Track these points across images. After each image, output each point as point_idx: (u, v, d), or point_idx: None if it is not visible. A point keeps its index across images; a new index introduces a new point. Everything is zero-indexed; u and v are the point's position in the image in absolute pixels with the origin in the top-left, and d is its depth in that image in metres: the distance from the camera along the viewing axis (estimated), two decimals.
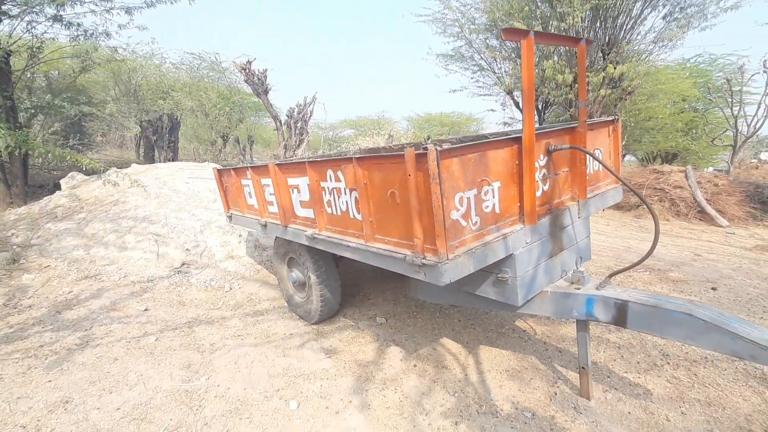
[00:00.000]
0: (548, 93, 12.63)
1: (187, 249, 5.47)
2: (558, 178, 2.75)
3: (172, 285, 4.89)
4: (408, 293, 3.29)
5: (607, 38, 12.31)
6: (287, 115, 15.58)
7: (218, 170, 4.77)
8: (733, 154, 14.15)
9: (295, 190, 3.21)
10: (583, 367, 2.78)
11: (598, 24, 11.84)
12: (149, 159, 13.22)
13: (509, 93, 15.95)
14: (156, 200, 6.28)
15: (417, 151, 1.93)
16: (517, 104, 16.85)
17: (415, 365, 3.25)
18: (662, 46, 12.70)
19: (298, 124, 16.60)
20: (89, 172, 7.29)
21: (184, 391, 2.80)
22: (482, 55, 15.61)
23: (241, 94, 19.62)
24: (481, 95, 17.38)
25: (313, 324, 4.05)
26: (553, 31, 11.60)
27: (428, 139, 3.20)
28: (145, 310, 4.21)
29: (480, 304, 2.99)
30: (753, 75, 13.09)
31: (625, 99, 13.13)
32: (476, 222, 2.19)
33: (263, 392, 2.80)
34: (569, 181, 2.84)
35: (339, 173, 2.62)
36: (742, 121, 14.04)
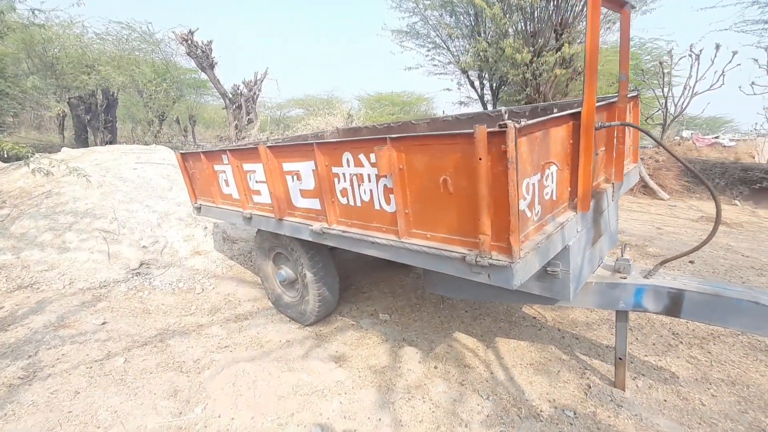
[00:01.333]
0: (507, 71, 12.60)
1: (144, 246, 4.72)
2: (597, 159, 2.51)
3: (132, 290, 4.18)
4: (427, 288, 2.96)
5: (560, 19, 12.42)
6: (232, 93, 14.31)
7: (183, 154, 4.07)
8: (663, 131, 15.22)
9: (294, 178, 2.71)
10: (620, 358, 2.64)
11: (551, 5, 11.90)
12: (82, 142, 11.58)
13: (465, 72, 15.86)
14: (99, 190, 5.37)
15: (490, 129, 1.56)
16: (472, 83, 16.83)
17: (435, 367, 2.96)
18: (607, 29, 13.15)
19: (248, 103, 15.45)
20: (8, 159, 6.10)
21: (177, 428, 2.29)
22: (438, 33, 15.29)
23: (179, 70, 17.83)
24: (436, 74, 17.12)
25: (307, 326, 3.62)
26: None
27: (505, 112, 2.79)
28: (103, 323, 3.53)
29: (513, 300, 2.74)
30: (680, 59, 13.97)
31: (575, 79, 13.53)
32: (538, 212, 1.88)
33: (276, 419, 2.37)
34: (604, 161, 2.62)
35: (361, 157, 2.18)
36: (670, 101, 15.08)
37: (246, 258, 5.19)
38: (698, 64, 12.98)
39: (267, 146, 2.82)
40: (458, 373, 2.89)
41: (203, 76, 15.78)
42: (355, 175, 2.25)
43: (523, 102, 12.83)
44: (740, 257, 5.64)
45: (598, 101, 2.11)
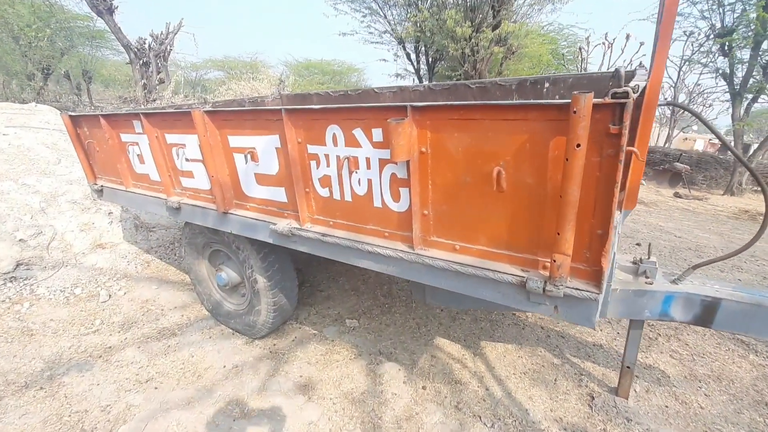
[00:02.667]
0: (447, 45, 12.23)
1: (21, 240, 3.54)
2: None
3: (4, 302, 3.07)
4: (421, 299, 2.43)
5: None
6: (138, 46, 12.06)
7: (72, 118, 2.98)
8: None
9: (248, 157, 1.96)
10: (628, 367, 2.40)
11: None
12: None
13: (401, 43, 15.24)
14: None
15: (597, 101, 1.02)
16: (408, 56, 16.30)
17: (424, 387, 2.49)
18: (539, 9, 13.41)
19: (159, 59, 13.27)
20: None
21: None
22: None
23: (67, 15, 14.73)
24: (372, 42, 16.29)
25: (257, 339, 2.92)
26: None
27: (616, 70, 2.18)
28: None
29: (513, 310, 2.32)
30: (595, 47, 14.84)
31: (509, 58, 13.70)
32: None
33: None
34: None
35: (358, 133, 1.53)
36: None
37: (168, 250, 4.21)
38: (611, 52, 13.88)
39: (205, 111, 2.00)
40: (451, 393, 2.45)
41: (101, 25, 13.15)
42: (347, 158, 1.59)
43: (458, 78, 12.63)
44: (674, 238, 5.99)
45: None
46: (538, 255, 1.28)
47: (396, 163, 1.48)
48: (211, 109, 2.00)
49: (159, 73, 13.27)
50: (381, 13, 14.89)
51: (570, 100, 1.02)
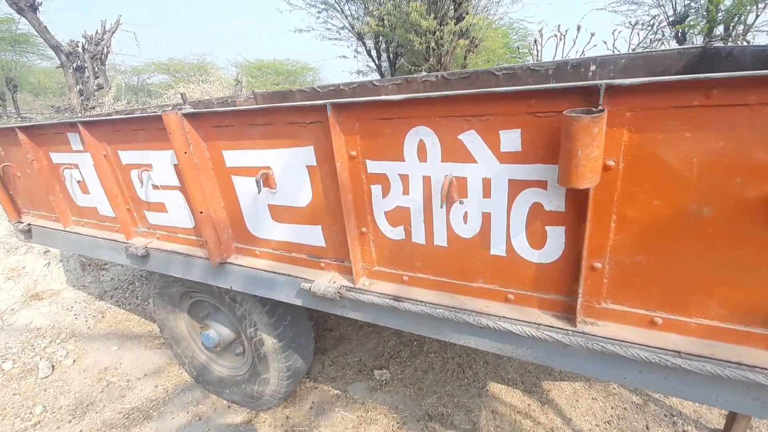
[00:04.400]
0: (411, 39, 11.77)
1: None
2: None
3: None
4: None
5: None
6: (69, 49, 10.60)
7: None
8: None
9: (259, 181, 1.27)
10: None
11: None
12: None
13: (360, 38, 14.62)
14: None
15: None
16: (369, 52, 15.71)
17: None
18: (497, 2, 13.28)
19: (95, 62, 11.83)
20: None
21: None
22: None
23: None
24: (330, 39, 15.57)
25: (264, 411, 2.23)
26: None
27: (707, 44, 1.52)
28: None
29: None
30: (548, 38, 15.01)
31: (473, 51, 13.47)
32: None
33: None
34: None
35: (471, 137, 0.91)
36: None
37: (128, 292, 3.36)
38: (564, 43, 14.04)
39: (184, 114, 1.29)
40: None
41: (25, 27, 11.52)
42: (453, 178, 0.96)
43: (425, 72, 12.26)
44: None
45: None
46: None
47: (546, 188, 0.87)
48: (193, 110, 1.30)
49: (96, 77, 11.83)
50: (338, 8, 14.20)
51: None
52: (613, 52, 13.78)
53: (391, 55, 15.02)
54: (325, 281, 1.26)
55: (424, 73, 3.19)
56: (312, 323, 2.23)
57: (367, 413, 2.21)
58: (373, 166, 1.08)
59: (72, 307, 3.03)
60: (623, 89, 0.73)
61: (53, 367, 2.55)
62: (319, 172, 1.17)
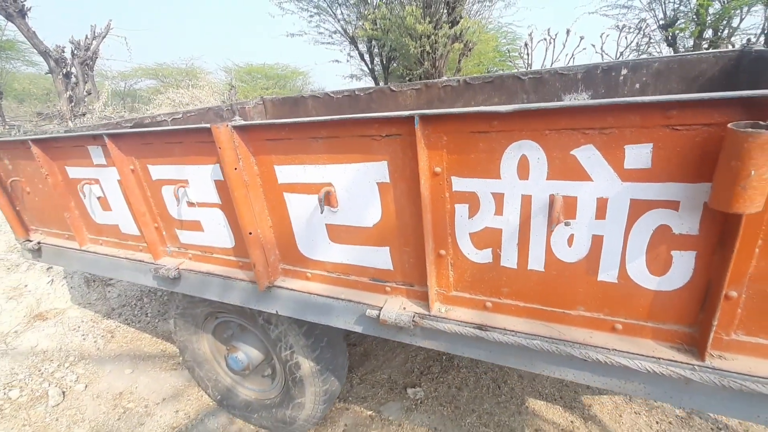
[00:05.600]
0: (407, 43, 11.75)
1: None
2: None
3: None
4: None
5: None
6: (57, 55, 10.27)
7: None
8: None
9: (321, 199, 1.16)
10: None
11: None
12: None
13: (353, 42, 14.53)
14: None
15: None
16: (361, 55, 15.61)
17: None
18: (489, 6, 13.34)
19: (84, 68, 11.54)
20: None
21: None
22: None
23: None
24: (323, 43, 15.49)
25: None
26: None
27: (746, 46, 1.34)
28: None
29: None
30: (538, 42, 15.17)
31: (466, 54, 13.48)
32: None
33: None
34: None
35: (589, 153, 0.81)
36: None
37: (137, 309, 3.19)
38: (553, 47, 14.16)
39: (234, 126, 1.17)
40: None
41: (10, 33, 11.23)
42: (563, 197, 0.86)
43: (410, 79, 12.27)
44: None
45: None
46: None
47: (677, 209, 0.78)
48: (245, 123, 1.18)
49: (86, 83, 11.52)
50: (330, 12, 14.11)
51: None
52: (602, 55, 13.94)
53: (384, 59, 14.97)
54: (395, 307, 1.14)
55: (444, 78, 3.09)
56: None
57: None
58: (460, 184, 0.97)
59: (79, 327, 2.86)
60: None
61: (64, 393, 2.38)
62: (392, 189, 1.06)
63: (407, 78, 12.61)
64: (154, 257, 1.68)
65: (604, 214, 0.85)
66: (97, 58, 12.25)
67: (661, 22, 12.64)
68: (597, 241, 0.88)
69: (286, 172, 1.21)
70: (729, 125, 0.65)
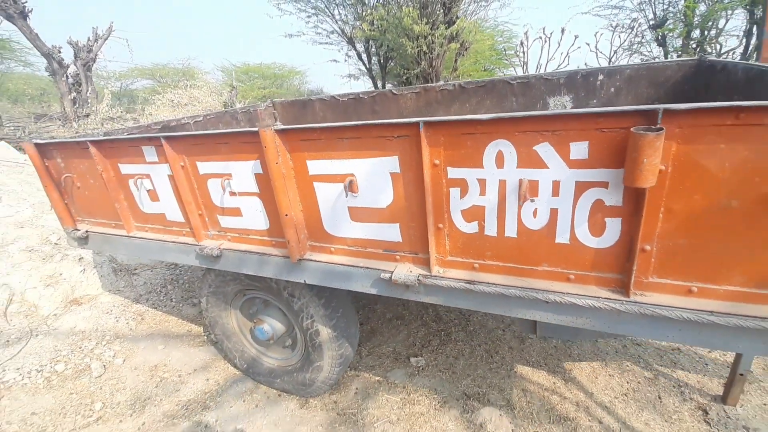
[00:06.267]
0: (403, 43, 12.04)
1: None
2: None
3: None
4: (531, 333, 2.10)
5: None
6: (60, 57, 10.50)
7: (39, 146, 2.27)
8: None
9: (347, 186, 1.48)
10: (741, 374, 2.22)
11: None
12: None
13: (351, 42, 14.80)
14: None
15: None
16: (359, 55, 15.89)
17: None
18: (485, 6, 13.66)
19: (86, 70, 11.75)
20: None
21: None
22: None
23: None
24: (321, 43, 15.74)
25: (311, 397, 2.42)
26: None
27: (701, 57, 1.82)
28: None
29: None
30: (534, 40, 15.49)
31: (463, 54, 13.80)
32: None
33: None
34: None
35: (545, 148, 1.14)
36: None
37: (162, 295, 3.49)
38: (549, 45, 14.50)
39: (277, 130, 1.49)
40: None
41: (3, 32, 11.40)
42: (528, 180, 1.19)
43: (407, 78, 12.58)
44: None
45: None
46: None
47: (607, 188, 1.11)
48: (284, 127, 1.49)
49: (89, 84, 11.74)
50: (328, 12, 14.35)
51: None
52: (596, 54, 14.26)
53: (382, 59, 15.25)
54: (404, 271, 1.47)
55: (441, 82, 3.40)
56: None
57: (409, 395, 2.43)
58: (454, 173, 1.29)
59: (111, 311, 3.16)
60: (676, 112, 0.97)
61: (105, 366, 2.69)
62: (402, 178, 1.38)
63: (404, 77, 12.91)
64: (196, 240, 1.99)
65: (558, 192, 1.18)
66: (96, 59, 12.46)
67: (651, 23, 13.02)
68: (554, 213, 1.21)
69: (316, 166, 1.53)
70: (632, 129, 0.97)
